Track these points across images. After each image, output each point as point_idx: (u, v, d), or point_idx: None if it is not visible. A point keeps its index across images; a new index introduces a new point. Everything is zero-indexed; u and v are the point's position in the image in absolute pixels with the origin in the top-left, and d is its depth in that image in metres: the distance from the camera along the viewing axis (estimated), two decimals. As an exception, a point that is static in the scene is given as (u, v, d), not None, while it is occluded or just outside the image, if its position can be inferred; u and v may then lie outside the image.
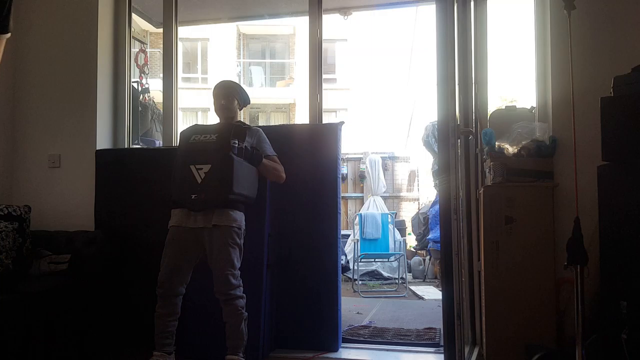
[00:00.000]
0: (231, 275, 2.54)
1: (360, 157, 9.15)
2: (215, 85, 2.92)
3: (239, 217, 2.65)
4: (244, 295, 2.58)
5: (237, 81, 3.27)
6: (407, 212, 9.32)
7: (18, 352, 2.54)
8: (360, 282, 6.32)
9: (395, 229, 7.16)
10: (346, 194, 8.96)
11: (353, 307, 4.72)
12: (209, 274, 2.58)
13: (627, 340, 2.17)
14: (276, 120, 16.04)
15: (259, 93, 15.71)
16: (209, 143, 2.67)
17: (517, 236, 2.69)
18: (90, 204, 3.24)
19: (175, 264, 2.62)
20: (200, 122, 9.23)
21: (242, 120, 3.01)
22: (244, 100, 2.96)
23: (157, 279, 2.61)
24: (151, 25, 4.71)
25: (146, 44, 5.11)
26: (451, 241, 2.09)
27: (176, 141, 3.49)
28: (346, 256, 7.05)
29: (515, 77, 9.61)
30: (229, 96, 2.87)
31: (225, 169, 2.58)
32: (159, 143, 3.98)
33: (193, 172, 2.60)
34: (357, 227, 6.89)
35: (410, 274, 7.31)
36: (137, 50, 4.13)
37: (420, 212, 7.78)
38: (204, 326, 2.84)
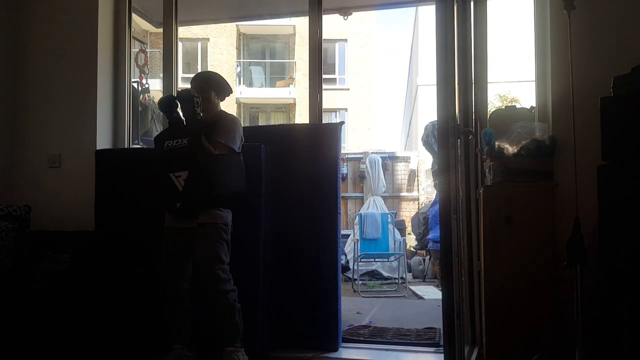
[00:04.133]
0: (220, 270, 2.58)
1: (360, 157, 9.14)
2: (191, 80, 2.84)
3: (225, 214, 2.67)
4: (235, 288, 2.62)
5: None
6: (407, 212, 9.31)
7: (18, 351, 2.53)
8: (360, 282, 6.31)
9: (395, 229, 7.15)
10: (346, 194, 8.94)
11: (353, 307, 4.71)
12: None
13: (627, 340, 2.17)
14: (276, 120, 16.04)
15: (259, 93, 15.70)
16: (182, 148, 2.63)
17: (517, 236, 2.69)
18: (90, 204, 3.23)
19: (174, 262, 2.69)
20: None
21: (224, 111, 2.90)
22: (223, 90, 2.87)
23: (160, 279, 2.67)
24: (151, 25, 4.70)
25: (146, 44, 5.11)
26: (451, 241, 2.09)
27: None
28: (346, 256, 7.05)
29: (515, 77, 9.61)
30: (204, 89, 2.77)
31: (203, 173, 2.59)
32: (159, 143, 3.98)
33: (173, 180, 2.61)
34: (357, 227, 6.89)
35: (410, 274, 7.30)
36: (137, 50, 4.12)
37: (420, 212, 7.78)
38: (203, 322, 2.84)
